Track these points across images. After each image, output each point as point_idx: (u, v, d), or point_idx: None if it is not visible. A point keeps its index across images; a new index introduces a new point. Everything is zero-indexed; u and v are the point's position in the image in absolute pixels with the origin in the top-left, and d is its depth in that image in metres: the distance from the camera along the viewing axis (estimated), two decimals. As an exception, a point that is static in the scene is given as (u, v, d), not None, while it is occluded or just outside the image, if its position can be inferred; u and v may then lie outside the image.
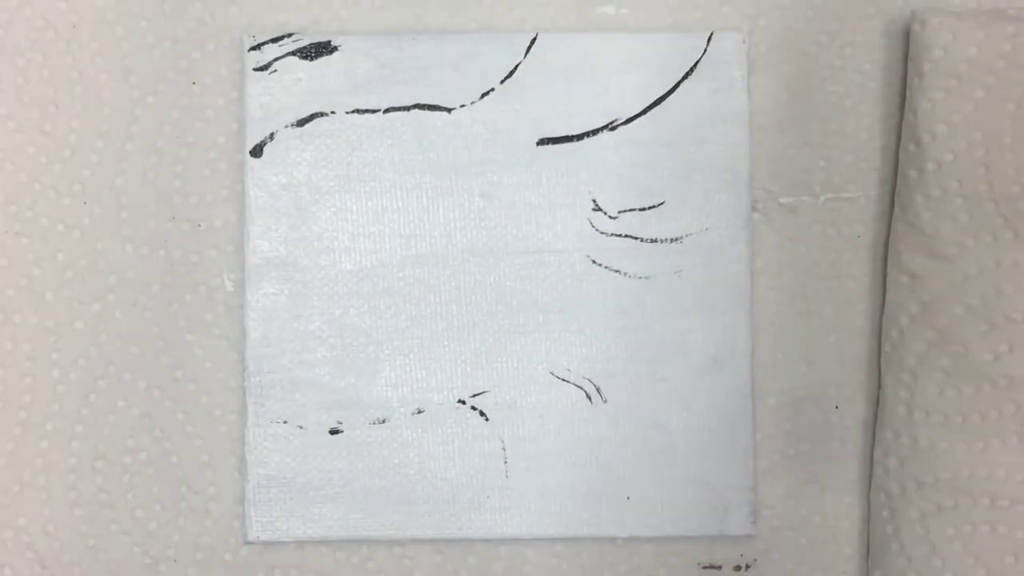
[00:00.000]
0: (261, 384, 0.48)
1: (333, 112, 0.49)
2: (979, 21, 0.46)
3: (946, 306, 0.46)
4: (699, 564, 0.49)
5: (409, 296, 0.49)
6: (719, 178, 0.49)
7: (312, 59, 0.49)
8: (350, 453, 0.48)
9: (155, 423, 0.49)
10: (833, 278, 0.50)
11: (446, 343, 0.49)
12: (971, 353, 0.46)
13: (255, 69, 0.49)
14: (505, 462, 0.48)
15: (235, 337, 0.49)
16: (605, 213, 0.49)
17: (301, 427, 0.48)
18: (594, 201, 0.49)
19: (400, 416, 0.49)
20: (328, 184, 0.49)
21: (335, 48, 0.49)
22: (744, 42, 0.49)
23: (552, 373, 0.49)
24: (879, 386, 0.49)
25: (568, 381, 0.49)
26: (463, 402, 0.49)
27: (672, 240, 0.49)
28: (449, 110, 0.49)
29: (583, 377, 0.49)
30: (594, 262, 0.49)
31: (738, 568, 0.49)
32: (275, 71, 0.49)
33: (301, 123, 0.49)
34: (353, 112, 0.49)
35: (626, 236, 0.49)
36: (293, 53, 0.49)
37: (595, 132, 0.49)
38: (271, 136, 0.49)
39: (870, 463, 0.49)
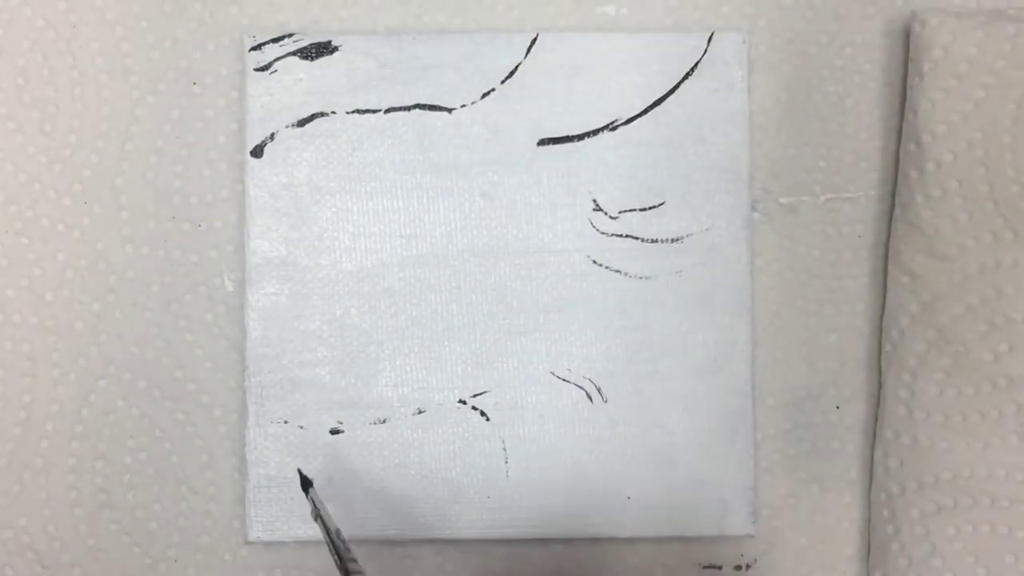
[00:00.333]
0: (261, 384, 0.48)
1: (334, 112, 0.49)
2: (979, 21, 0.46)
3: (946, 306, 0.46)
4: (699, 564, 0.49)
5: (410, 296, 0.49)
6: (719, 178, 0.49)
7: (313, 59, 0.49)
8: (350, 453, 0.48)
9: (155, 423, 0.49)
10: (833, 278, 0.50)
11: (447, 343, 0.49)
12: (971, 353, 0.46)
13: (256, 69, 0.49)
14: (506, 462, 0.48)
15: (235, 337, 0.49)
16: (605, 213, 0.49)
17: (301, 427, 0.48)
18: (594, 201, 0.49)
19: (401, 416, 0.49)
20: (328, 184, 0.49)
21: (336, 48, 0.49)
22: (744, 42, 0.49)
23: (553, 373, 0.49)
24: (879, 386, 0.49)
25: (569, 381, 0.49)
26: (464, 402, 0.49)
27: (672, 240, 0.49)
28: (450, 110, 0.49)
29: (584, 377, 0.49)
30: (595, 262, 0.49)
31: (738, 568, 0.49)
32: (275, 71, 0.49)
33: (301, 123, 0.49)
34: (354, 112, 0.49)
35: (626, 236, 0.49)
36: (294, 53, 0.49)
37: (595, 132, 0.49)
38: (271, 136, 0.49)
39: (870, 463, 0.49)
